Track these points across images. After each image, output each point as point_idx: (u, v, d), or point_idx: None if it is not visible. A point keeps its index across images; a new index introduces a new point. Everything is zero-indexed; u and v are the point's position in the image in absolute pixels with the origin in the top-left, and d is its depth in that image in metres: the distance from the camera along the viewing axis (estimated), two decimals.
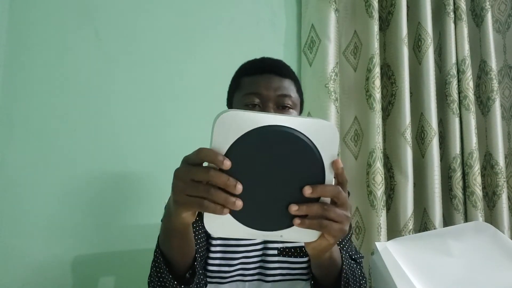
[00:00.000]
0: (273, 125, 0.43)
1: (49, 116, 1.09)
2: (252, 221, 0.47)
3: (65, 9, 1.13)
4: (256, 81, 0.80)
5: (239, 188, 0.43)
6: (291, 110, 0.81)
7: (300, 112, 0.87)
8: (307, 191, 0.45)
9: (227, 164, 0.43)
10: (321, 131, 0.44)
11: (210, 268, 0.81)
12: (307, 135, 0.44)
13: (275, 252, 0.84)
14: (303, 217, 0.46)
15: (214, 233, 0.48)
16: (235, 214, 0.46)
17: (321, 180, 0.46)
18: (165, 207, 0.57)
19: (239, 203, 0.43)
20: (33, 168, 1.06)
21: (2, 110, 1.05)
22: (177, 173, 0.47)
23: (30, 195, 1.05)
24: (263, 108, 0.79)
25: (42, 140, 1.08)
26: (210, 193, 0.43)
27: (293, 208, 0.45)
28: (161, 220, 0.61)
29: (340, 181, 0.49)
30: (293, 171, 0.45)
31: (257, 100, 0.79)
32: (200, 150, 0.45)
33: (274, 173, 0.45)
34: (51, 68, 1.10)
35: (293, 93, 0.82)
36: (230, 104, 0.87)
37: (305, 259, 0.84)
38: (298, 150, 0.44)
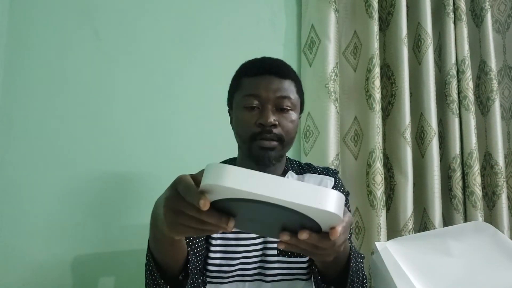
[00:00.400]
0: (268, 203, 0.40)
1: (49, 116, 1.09)
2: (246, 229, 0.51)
3: (65, 9, 1.13)
4: (256, 83, 0.80)
5: (231, 226, 0.44)
6: (290, 111, 0.81)
7: (301, 112, 0.87)
8: (304, 235, 0.44)
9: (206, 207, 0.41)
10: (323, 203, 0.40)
11: (210, 268, 0.81)
12: (306, 212, 0.40)
13: (275, 252, 0.84)
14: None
15: None
16: None
17: (318, 229, 0.45)
18: (152, 214, 0.55)
19: (230, 230, 0.45)
20: (33, 168, 1.06)
21: (2, 110, 1.05)
22: (169, 204, 0.46)
23: (30, 195, 1.05)
24: (262, 110, 0.79)
25: (42, 140, 1.08)
26: (202, 226, 0.45)
27: (284, 238, 0.45)
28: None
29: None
30: (288, 224, 0.45)
31: (256, 102, 0.79)
32: (189, 189, 0.43)
33: (266, 222, 0.46)
34: (51, 68, 1.10)
35: (293, 94, 0.81)
36: (230, 105, 0.87)
37: (305, 259, 0.84)
38: (293, 219, 0.42)
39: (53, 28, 1.11)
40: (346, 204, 0.92)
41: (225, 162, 0.92)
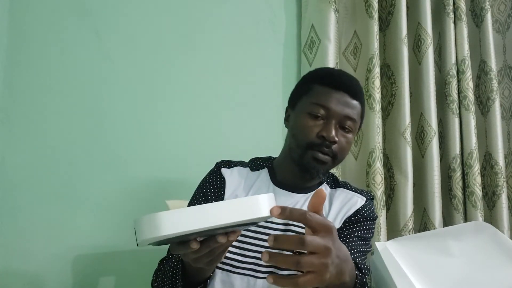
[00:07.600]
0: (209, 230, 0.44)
1: (49, 116, 1.09)
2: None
3: (65, 9, 1.13)
4: (328, 94, 0.81)
5: (195, 246, 0.49)
6: (350, 132, 0.82)
7: (357, 133, 0.88)
8: (270, 242, 0.46)
9: None
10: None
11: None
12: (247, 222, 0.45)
13: (290, 252, 0.83)
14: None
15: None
16: None
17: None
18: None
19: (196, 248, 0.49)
20: (33, 168, 1.06)
21: (2, 110, 1.05)
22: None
23: (30, 195, 1.05)
24: (326, 123, 0.80)
25: (42, 140, 1.08)
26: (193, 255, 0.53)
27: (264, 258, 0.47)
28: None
29: (312, 227, 0.48)
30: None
31: (322, 112, 0.80)
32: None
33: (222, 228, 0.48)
34: (51, 68, 1.10)
35: (357, 117, 0.83)
36: (294, 105, 0.87)
37: None
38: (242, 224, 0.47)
39: (53, 28, 1.11)
40: (372, 228, 0.89)
41: (263, 159, 0.93)
